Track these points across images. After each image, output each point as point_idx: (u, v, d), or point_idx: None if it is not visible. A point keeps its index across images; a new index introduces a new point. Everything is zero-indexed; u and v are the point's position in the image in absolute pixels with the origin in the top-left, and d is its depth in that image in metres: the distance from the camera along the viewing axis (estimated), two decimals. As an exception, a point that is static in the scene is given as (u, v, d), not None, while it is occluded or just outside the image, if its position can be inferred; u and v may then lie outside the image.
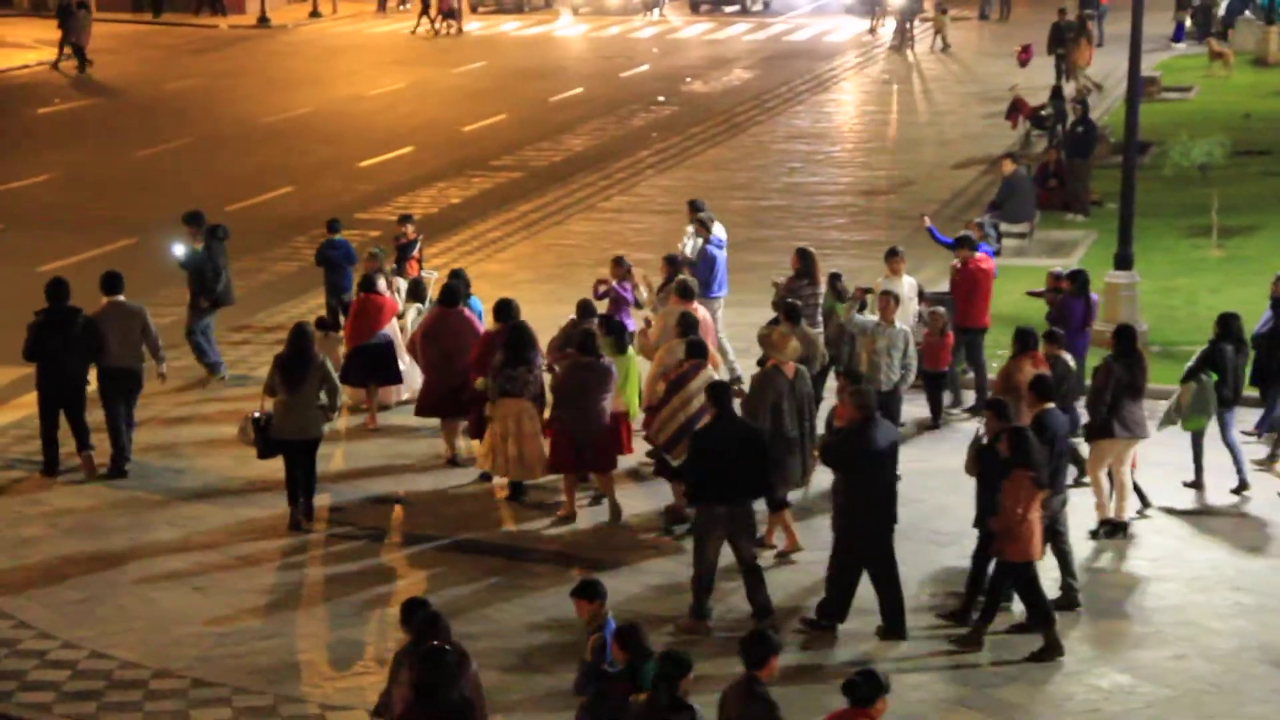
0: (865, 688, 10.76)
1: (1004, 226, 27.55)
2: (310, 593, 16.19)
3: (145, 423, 20.17)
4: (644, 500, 18.18)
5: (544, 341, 18.73)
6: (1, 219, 31.65)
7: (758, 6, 65.75)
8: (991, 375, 19.88)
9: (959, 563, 16.09)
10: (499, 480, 18.33)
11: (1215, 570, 16.59)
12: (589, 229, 30.98)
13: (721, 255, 22.29)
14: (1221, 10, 53.63)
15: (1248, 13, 52.62)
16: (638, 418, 18.34)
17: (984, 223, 25.05)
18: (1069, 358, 17.95)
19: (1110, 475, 17.35)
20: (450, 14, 59.08)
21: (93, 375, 19.00)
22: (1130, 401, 17.15)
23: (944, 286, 22.15)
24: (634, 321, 20.22)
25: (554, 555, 16.91)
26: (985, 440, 15.35)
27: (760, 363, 18.15)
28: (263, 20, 61.43)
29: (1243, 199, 31.27)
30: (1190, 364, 18.38)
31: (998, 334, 21.13)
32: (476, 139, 39.88)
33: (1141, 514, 17.68)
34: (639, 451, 18.36)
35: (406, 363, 20.60)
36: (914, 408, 20.30)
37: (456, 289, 19.53)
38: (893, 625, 15.10)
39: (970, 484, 15.58)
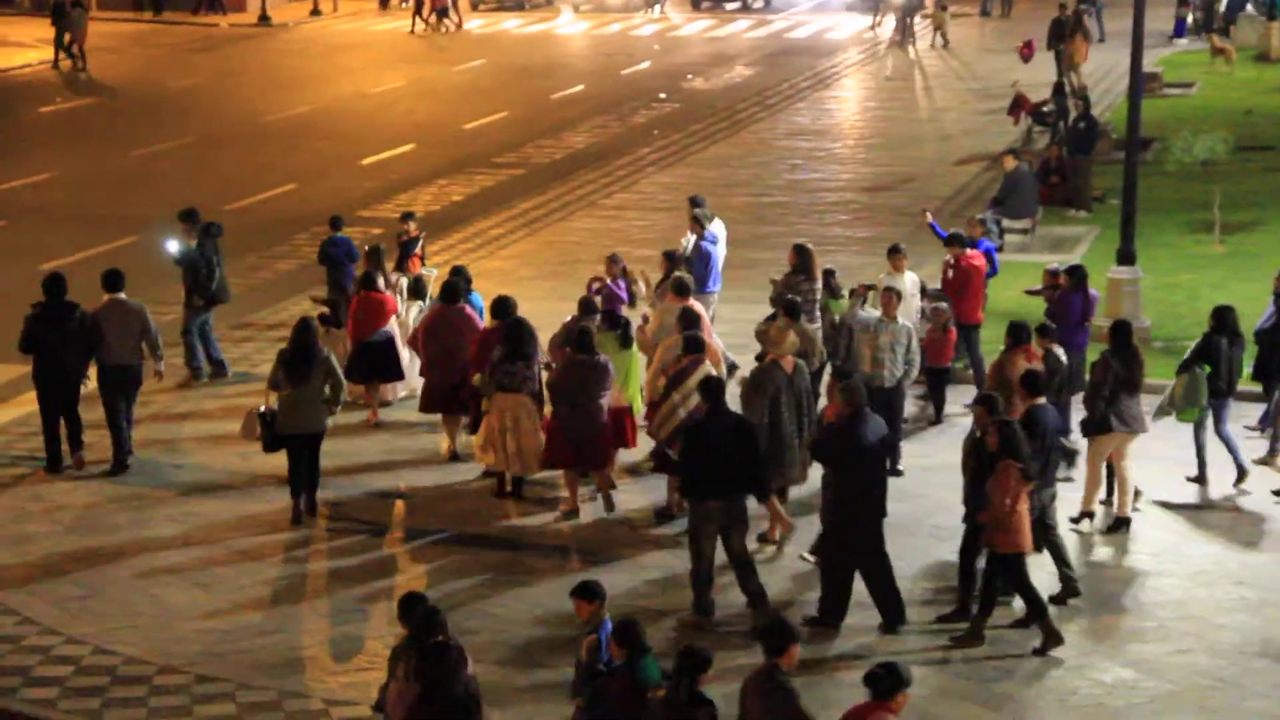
0: (887, 680, 10.74)
1: (1006, 222, 27.57)
2: (313, 587, 16.20)
3: (147, 419, 20.18)
4: (641, 496, 18.19)
5: (544, 339, 18.74)
6: (2, 217, 31.66)
7: (759, 3, 65.64)
8: (990, 371, 19.87)
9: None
10: (484, 464, 18.30)
11: (1218, 564, 16.58)
12: (590, 226, 30.97)
13: (715, 251, 22.26)
14: (1223, 6, 53.61)
15: (1249, 8, 52.61)
16: (641, 413, 18.36)
17: (986, 219, 25.06)
18: (1061, 352, 17.94)
19: (1110, 470, 17.36)
20: (443, 12, 58.94)
21: (92, 372, 19.02)
22: (1127, 396, 17.15)
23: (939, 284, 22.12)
24: (630, 318, 20.19)
25: (553, 550, 16.93)
26: (977, 435, 15.36)
27: (759, 358, 18.13)
28: (263, 18, 61.37)
29: (1245, 194, 31.29)
30: (1185, 356, 18.40)
31: (997, 330, 21.07)
32: (478, 136, 39.86)
33: (1134, 507, 17.67)
34: (643, 446, 18.35)
35: (406, 359, 20.63)
36: (916, 404, 20.31)
37: (457, 286, 19.55)
38: (891, 618, 15.11)
39: (972, 480, 15.59)
